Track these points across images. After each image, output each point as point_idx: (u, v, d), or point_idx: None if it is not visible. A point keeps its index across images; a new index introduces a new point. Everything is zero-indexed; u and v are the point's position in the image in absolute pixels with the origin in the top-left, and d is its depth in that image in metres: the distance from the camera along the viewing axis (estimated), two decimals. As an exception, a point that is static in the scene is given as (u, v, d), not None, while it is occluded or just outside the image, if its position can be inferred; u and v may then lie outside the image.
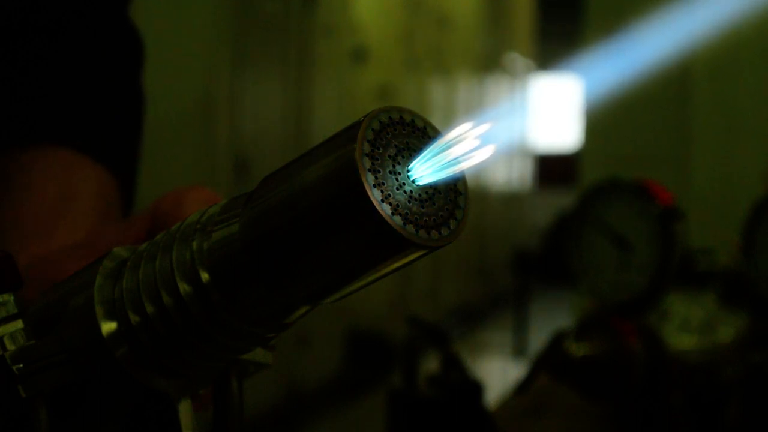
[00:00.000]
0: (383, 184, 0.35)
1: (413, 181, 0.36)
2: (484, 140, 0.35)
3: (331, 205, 0.35)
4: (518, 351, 4.94)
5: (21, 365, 0.41)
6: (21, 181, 0.65)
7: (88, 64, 0.71)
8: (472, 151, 0.35)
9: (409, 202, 0.35)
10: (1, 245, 0.61)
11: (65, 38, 0.70)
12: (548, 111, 8.32)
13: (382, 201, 0.34)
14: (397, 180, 0.35)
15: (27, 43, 0.70)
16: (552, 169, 8.34)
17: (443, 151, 0.36)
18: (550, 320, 3.73)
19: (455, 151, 0.35)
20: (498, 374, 4.60)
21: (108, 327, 0.40)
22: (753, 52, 2.72)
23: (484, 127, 0.35)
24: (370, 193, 0.34)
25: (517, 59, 7.28)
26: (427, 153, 0.36)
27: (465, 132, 0.35)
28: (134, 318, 0.40)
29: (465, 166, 0.36)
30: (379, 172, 0.35)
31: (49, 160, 0.66)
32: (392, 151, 0.36)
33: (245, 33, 3.24)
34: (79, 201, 0.64)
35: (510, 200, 7.21)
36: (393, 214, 0.35)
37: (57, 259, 0.53)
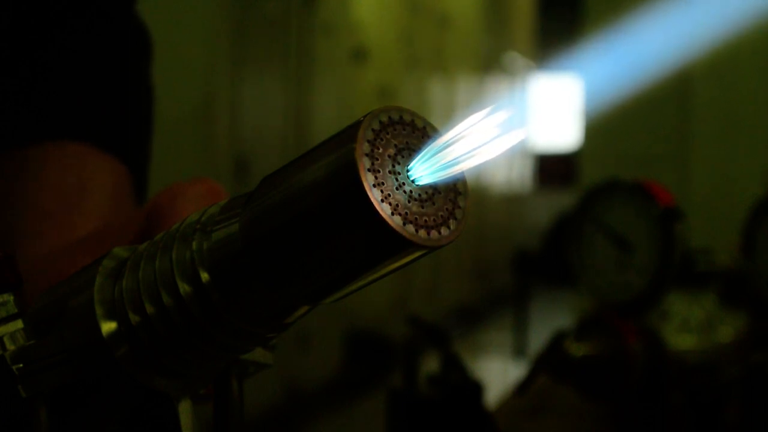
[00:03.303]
0: (383, 184, 0.35)
1: (413, 181, 0.36)
2: (492, 135, 0.35)
3: (331, 204, 0.35)
4: (518, 351, 4.94)
5: (21, 365, 0.41)
6: (35, 175, 0.65)
7: (96, 57, 0.71)
8: (472, 150, 0.35)
9: (409, 202, 0.35)
10: (20, 239, 0.61)
11: (72, 32, 0.70)
12: (548, 111, 8.31)
13: (382, 201, 0.34)
14: (396, 180, 0.35)
15: (35, 38, 0.70)
16: (552, 169, 8.34)
17: (443, 150, 0.35)
18: (550, 320, 3.72)
19: (455, 151, 0.35)
20: (498, 374, 4.60)
21: (108, 327, 0.40)
22: (753, 52, 2.72)
23: (488, 122, 0.35)
24: (369, 193, 0.34)
25: (517, 59, 7.28)
26: (426, 153, 0.36)
27: (466, 129, 0.35)
28: (134, 318, 0.40)
29: (465, 166, 0.36)
30: (379, 171, 0.35)
31: (63, 152, 0.66)
32: (392, 151, 0.36)
33: (245, 33, 3.24)
34: (94, 192, 0.64)
35: (510, 200, 7.21)
36: (393, 214, 0.35)
37: (54, 258, 0.53)
